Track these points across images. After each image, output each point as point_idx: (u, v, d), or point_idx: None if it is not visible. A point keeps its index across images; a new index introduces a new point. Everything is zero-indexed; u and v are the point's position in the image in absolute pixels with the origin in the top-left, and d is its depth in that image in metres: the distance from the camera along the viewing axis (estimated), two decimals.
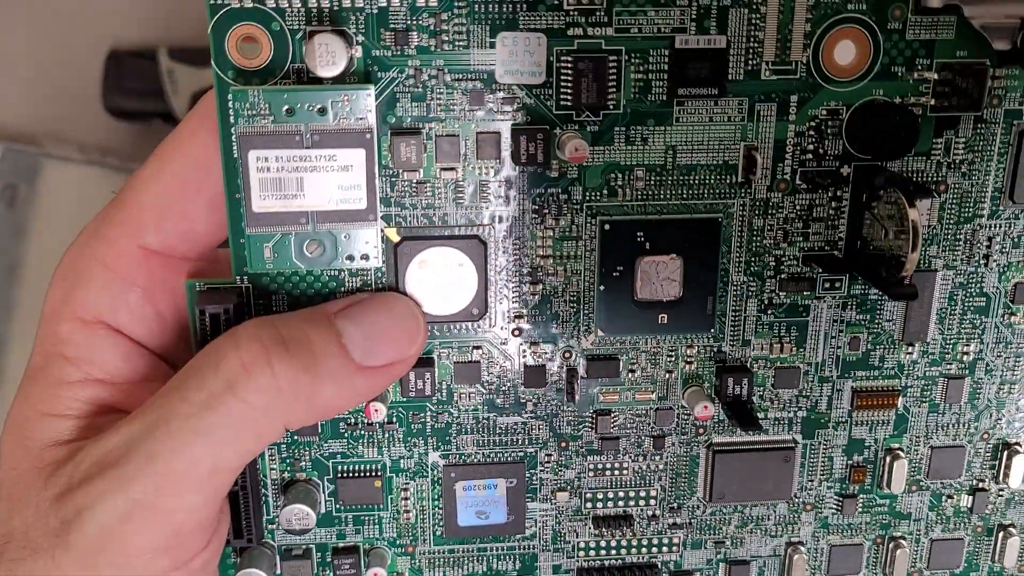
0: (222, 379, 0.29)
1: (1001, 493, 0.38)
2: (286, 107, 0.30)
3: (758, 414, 0.36)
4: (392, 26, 0.31)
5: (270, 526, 0.36)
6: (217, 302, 0.32)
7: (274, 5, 0.30)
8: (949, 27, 0.32)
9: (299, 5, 0.30)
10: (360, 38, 0.31)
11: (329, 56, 0.30)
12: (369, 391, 0.31)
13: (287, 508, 0.34)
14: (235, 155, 0.30)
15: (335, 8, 0.30)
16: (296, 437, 0.35)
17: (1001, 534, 0.39)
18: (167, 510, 0.29)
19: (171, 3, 0.70)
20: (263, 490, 0.35)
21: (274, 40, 0.30)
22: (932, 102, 0.33)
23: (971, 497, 0.38)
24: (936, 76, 0.32)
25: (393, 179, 0.32)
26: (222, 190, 0.31)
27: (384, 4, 0.30)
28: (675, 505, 0.37)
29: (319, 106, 0.30)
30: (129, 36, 0.70)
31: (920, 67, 0.32)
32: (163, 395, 0.29)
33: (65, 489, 0.29)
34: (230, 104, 0.30)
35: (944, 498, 0.38)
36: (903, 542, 0.38)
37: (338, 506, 0.36)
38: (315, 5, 0.30)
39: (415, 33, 0.31)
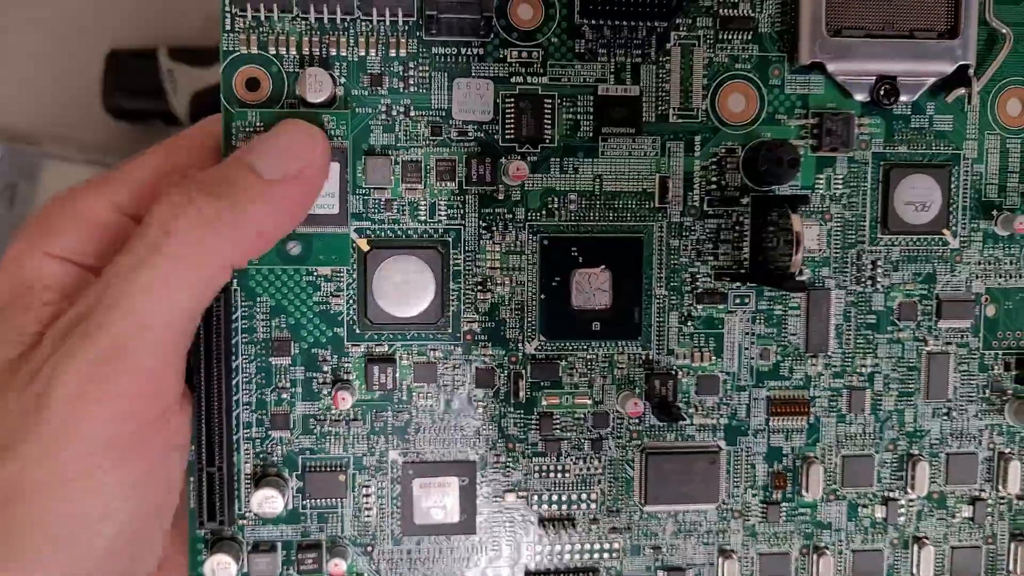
0: (156, 225, 0.32)
1: (912, 504, 0.42)
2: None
3: (683, 415, 0.40)
4: (369, 71, 0.38)
5: (241, 521, 0.39)
6: None
7: (274, 52, 0.37)
8: (819, 83, 0.40)
9: (295, 52, 0.37)
10: (343, 79, 0.38)
11: (317, 85, 0.37)
12: (292, 204, 0.34)
13: (257, 492, 0.38)
14: None
15: (323, 56, 0.38)
16: (270, 432, 0.39)
17: (916, 545, 0.42)
18: (135, 356, 0.31)
19: (171, 3, 0.70)
20: (236, 482, 0.38)
21: (272, 79, 0.37)
22: (811, 143, 0.40)
23: (884, 507, 0.42)
24: (812, 122, 0.40)
25: (365, 197, 0.38)
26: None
27: (363, 54, 0.38)
28: (615, 508, 0.41)
29: None
30: (129, 36, 0.69)
31: (798, 115, 0.40)
32: (112, 262, 0.32)
33: (32, 371, 0.31)
34: (233, 124, 0.37)
35: (859, 508, 0.42)
36: (827, 551, 0.41)
37: (304, 503, 0.39)
38: (307, 52, 0.38)
39: (387, 77, 0.38)
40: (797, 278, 0.37)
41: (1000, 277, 0.41)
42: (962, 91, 0.40)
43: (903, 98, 0.39)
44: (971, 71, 0.39)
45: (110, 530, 0.32)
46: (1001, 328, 0.42)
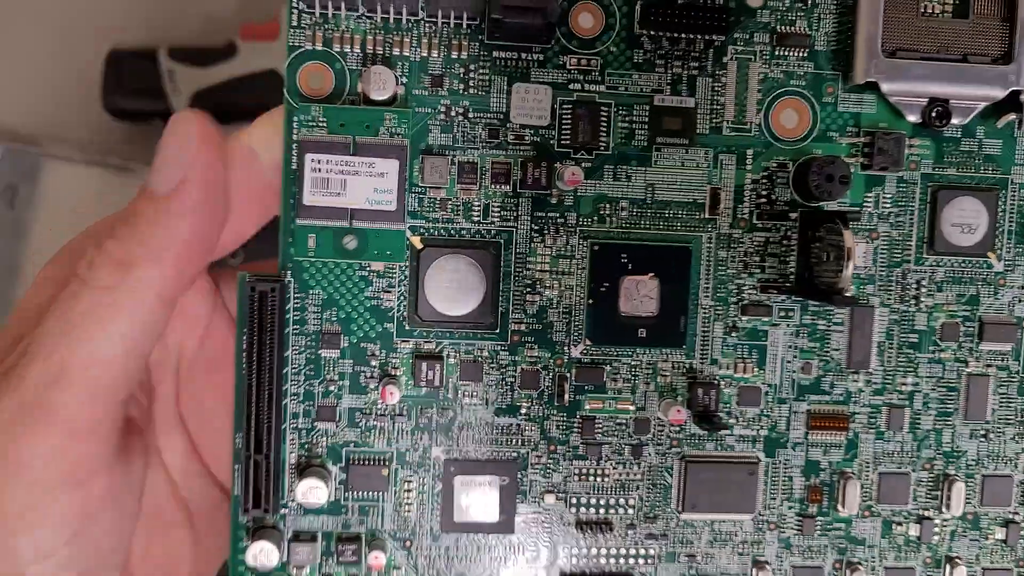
0: (75, 276, 0.32)
1: (946, 523, 0.42)
2: (340, 122, 0.37)
3: (726, 424, 0.40)
4: (430, 72, 0.39)
5: (283, 510, 0.39)
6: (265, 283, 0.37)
7: (339, 49, 0.38)
8: (872, 103, 0.40)
9: (359, 51, 0.38)
10: (404, 79, 0.38)
11: (381, 83, 0.37)
12: (191, 212, 0.33)
13: (302, 481, 0.38)
14: (293, 160, 0.37)
15: (386, 55, 0.38)
16: (316, 424, 0.39)
17: (948, 565, 0.42)
18: (54, 407, 0.31)
19: (171, 3, 0.70)
20: (281, 472, 0.39)
21: (336, 76, 0.38)
22: (862, 160, 0.40)
23: (919, 525, 0.42)
24: (863, 140, 0.40)
25: (421, 196, 0.39)
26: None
27: (425, 55, 0.38)
28: (652, 515, 0.41)
29: (366, 123, 0.37)
30: (129, 36, 0.69)
31: (850, 133, 0.40)
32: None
33: None
34: (295, 118, 0.37)
35: (894, 525, 0.42)
36: (860, 567, 0.42)
37: (346, 495, 0.39)
38: (371, 51, 0.38)
39: (447, 78, 0.39)
40: (846, 293, 0.38)
41: None
42: (1013, 117, 0.40)
43: (954, 121, 0.40)
44: (1023, 97, 0.40)
45: None
46: None
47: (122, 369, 0.33)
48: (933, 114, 0.40)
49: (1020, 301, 0.42)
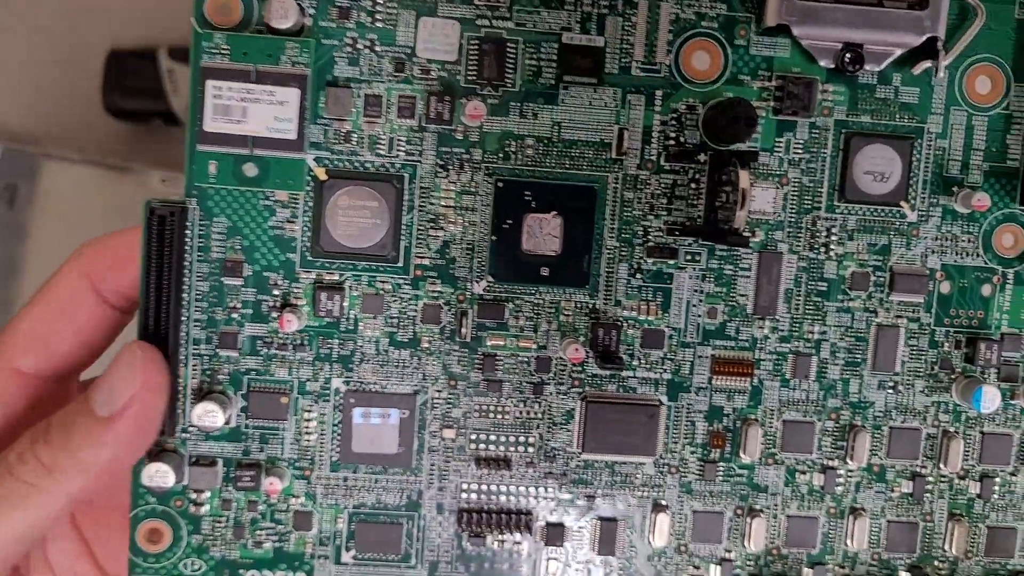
0: (5, 464, 0.35)
1: (851, 475, 0.42)
2: (243, 50, 0.37)
3: (624, 364, 0.40)
4: (337, 3, 0.39)
5: (183, 435, 0.40)
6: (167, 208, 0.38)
7: None
8: (786, 47, 0.40)
9: None
10: (312, 10, 0.39)
11: (283, 11, 0.37)
12: (125, 439, 0.36)
13: (198, 405, 0.39)
14: (198, 86, 0.38)
15: None
16: (218, 351, 0.40)
17: (852, 516, 0.42)
18: None
19: (171, 3, 0.71)
20: (180, 396, 0.39)
21: (244, 5, 0.38)
22: (774, 105, 0.40)
23: (822, 475, 0.42)
24: (774, 85, 0.40)
25: (326, 128, 0.39)
26: (87, 322, 0.38)
27: None
28: (551, 454, 0.41)
29: (268, 52, 0.38)
30: (129, 36, 0.70)
31: (762, 77, 0.40)
32: None
33: None
34: (202, 45, 0.37)
35: (797, 474, 0.42)
36: (761, 514, 0.42)
37: (247, 422, 0.40)
38: None
39: (355, 11, 0.39)
40: (742, 234, 0.37)
41: (956, 254, 0.41)
42: (929, 64, 0.40)
43: (869, 67, 0.39)
44: (940, 44, 0.39)
45: None
46: (954, 306, 0.41)
47: (12, 551, 0.36)
48: (846, 59, 0.39)
49: (933, 253, 0.41)
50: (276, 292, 0.40)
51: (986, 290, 0.41)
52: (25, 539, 0.36)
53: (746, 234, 0.38)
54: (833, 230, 0.41)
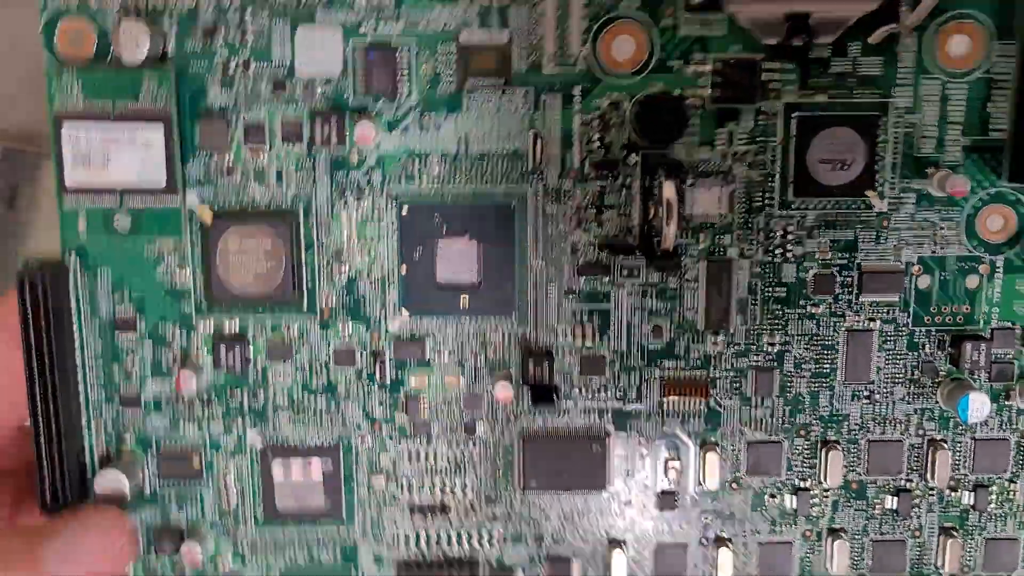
0: None
1: (827, 494, 0.38)
2: (98, 88, 0.33)
3: (563, 400, 0.36)
4: (201, 23, 0.34)
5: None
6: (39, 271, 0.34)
7: (97, 4, 0.34)
8: (722, 25, 0.34)
9: (118, 5, 0.34)
10: (174, 33, 0.34)
11: (132, 42, 0.33)
12: None
13: (100, 473, 0.36)
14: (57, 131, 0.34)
15: (149, 8, 0.34)
16: (121, 411, 0.37)
17: (831, 538, 0.38)
18: None
19: None
20: (89, 463, 0.37)
21: (98, 35, 0.34)
22: (711, 93, 0.35)
23: (794, 497, 0.38)
24: (710, 69, 0.35)
25: (206, 162, 0.35)
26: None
27: (193, 5, 0.34)
28: (492, 496, 0.38)
29: (125, 87, 0.33)
30: None
31: (695, 61, 0.35)
32: None
33: None
34: (54, 86, 0.33)
35: (766, 497, 0.38)
36: (729, 543, 0.38)
37: (161, 483, 0.37)
38: (131, 4, 0.34)
39: (221, 27, 0.34)
40: (674, 255, 0.33)
41: (935, 245, 0.36)
42: (893, 26, 0.34)
43: (820, 39, 0.34)
44: (902, 4, 0.33)
45: None
46: (935, 302, 0.36)
47: None
48: (791, 33, 0.34)
49: (907, 244, 0.36)
50: (176, 346, 0.36)
51: (972, 281, 0.36)
52: None
53: (680, 255, 0.33)
54: (789, 228, 0.36)
